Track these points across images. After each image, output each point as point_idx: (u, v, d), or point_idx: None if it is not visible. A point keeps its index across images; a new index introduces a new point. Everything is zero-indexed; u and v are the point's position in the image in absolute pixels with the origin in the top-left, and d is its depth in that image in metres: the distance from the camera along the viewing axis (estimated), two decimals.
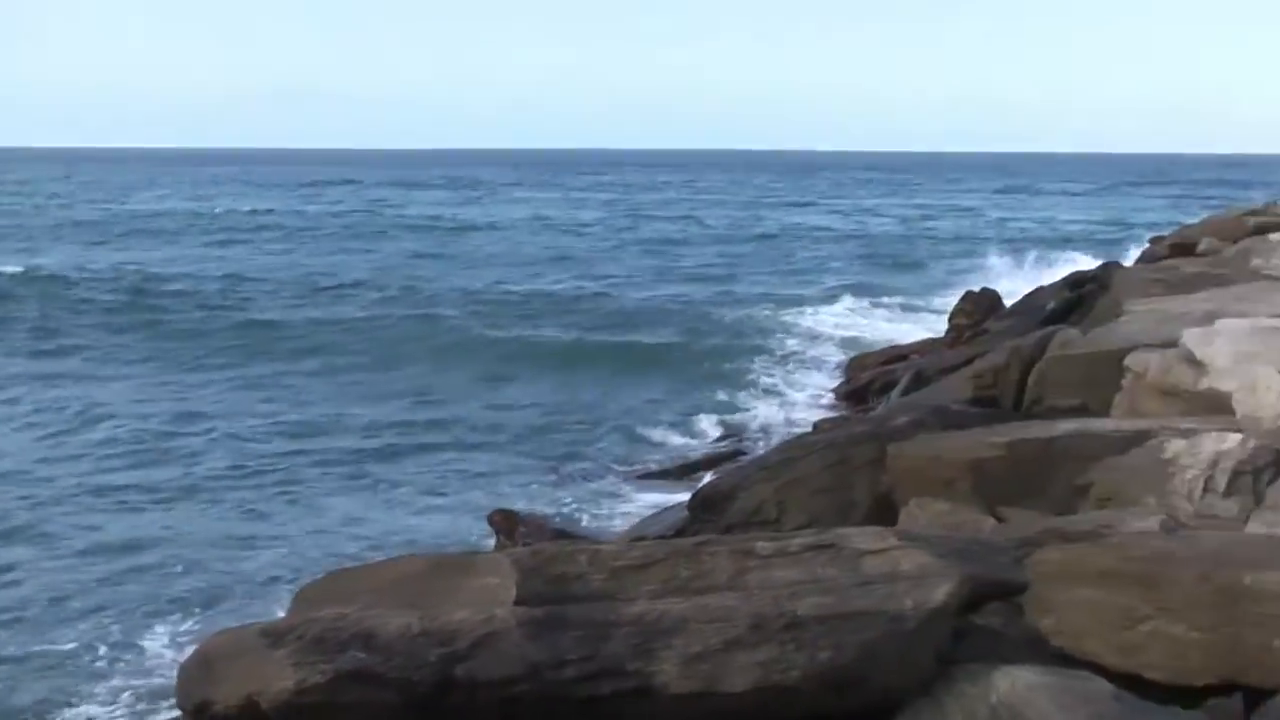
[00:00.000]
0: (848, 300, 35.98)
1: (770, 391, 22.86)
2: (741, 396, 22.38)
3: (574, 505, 15.86)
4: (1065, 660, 5.98)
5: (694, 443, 19.07)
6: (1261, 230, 23.92)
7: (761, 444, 17.82)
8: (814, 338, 29.11)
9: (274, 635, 5.86)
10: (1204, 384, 10.80)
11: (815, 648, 5.70)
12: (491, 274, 43.53)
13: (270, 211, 77.73)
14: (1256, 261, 18.48)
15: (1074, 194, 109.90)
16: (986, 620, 6.55)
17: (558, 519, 14.71)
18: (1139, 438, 9.31)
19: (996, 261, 38.68)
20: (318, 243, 56.59)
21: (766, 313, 33.51)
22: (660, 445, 19.01)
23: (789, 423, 19.70)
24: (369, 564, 7.42)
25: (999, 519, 9.32)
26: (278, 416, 21.39)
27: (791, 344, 28.06)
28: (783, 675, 5.66)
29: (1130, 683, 5.74)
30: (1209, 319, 12.21)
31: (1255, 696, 5.58)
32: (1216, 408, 10.26)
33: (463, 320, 32.06)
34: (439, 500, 16.60)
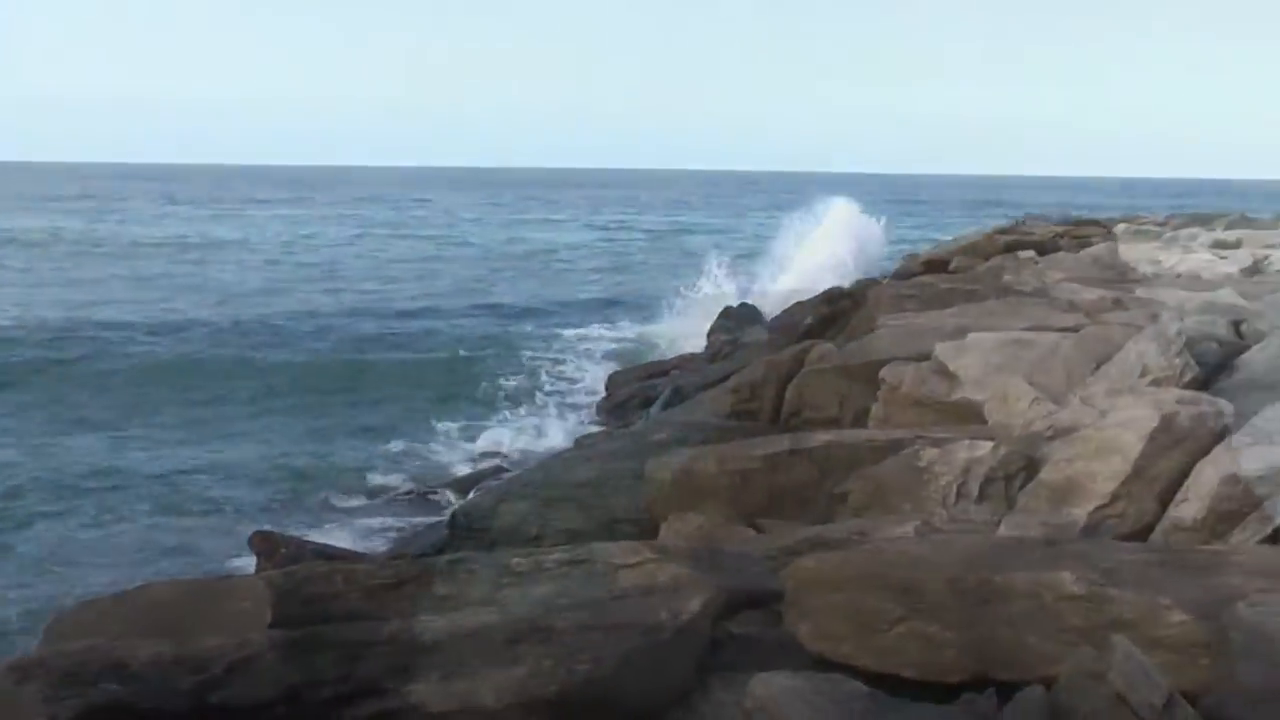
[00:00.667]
0: (605, 315, 36.13)
1: (531, 408, 22.85)
2: (502, 414, 22.32)
3: (334, 526, 15.61)
4: (823, 664, 6.04)
5: (455, 460, 18.93)
6: (1011, 248, 24.79)
7: (522, 461, 17.79)
8: (573, 353, 29.21)
9: (22, 670, 5.64)
10: (956, 394, 11.09)
11: (573, 661, 5.69)
12: (243, 292, 42.40)
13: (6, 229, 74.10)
14: (1007, 278, 19.05)
15: None
16: (744, 629, 6.62)
17: (318, 540, 14.46)
18: (894, 447, 9.48)
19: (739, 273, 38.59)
20: (53, 260, 53.98)
21: (527, 329, 33.53)
22: (421, 463, 18.84)
23: (550, 439, 19.72)
24: (121, 593, 7.20)
25: (758, 530, 9.41)
26: (13, 446, 20.35)
27: (551, 360, 28.10)
28: (541, 690, 5.64)
29: (887, 683, 5.84)
30: (961, 333, 12.51)
31: (1007, 690, 5.71)
32: (969, 417, 10.53)
33: (215, 341, 31.04)
34: (193, 524, 16.12)
